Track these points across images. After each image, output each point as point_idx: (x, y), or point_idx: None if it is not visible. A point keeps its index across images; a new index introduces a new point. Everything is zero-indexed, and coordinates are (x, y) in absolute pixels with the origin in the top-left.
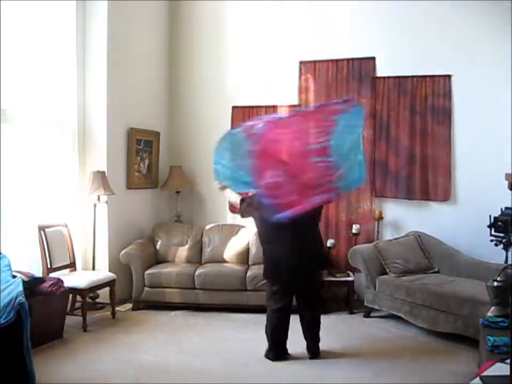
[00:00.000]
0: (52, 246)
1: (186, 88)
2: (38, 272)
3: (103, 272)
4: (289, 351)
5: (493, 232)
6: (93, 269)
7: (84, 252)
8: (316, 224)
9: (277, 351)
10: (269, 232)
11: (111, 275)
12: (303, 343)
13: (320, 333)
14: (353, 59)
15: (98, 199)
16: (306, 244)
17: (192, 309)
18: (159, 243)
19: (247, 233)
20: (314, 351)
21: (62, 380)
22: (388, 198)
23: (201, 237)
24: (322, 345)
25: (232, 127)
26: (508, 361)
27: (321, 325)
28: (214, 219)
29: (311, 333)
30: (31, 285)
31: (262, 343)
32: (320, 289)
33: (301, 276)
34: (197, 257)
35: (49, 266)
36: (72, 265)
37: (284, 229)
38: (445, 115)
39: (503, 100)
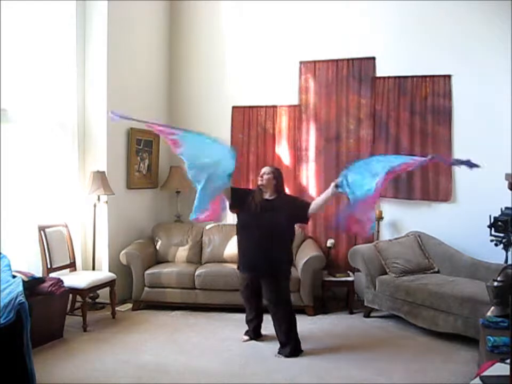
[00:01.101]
0: (51, 246)
1: (186, 88)
2: (38, 272)
3: (103, 272)
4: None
5: (493, 232)
6: (93, 269)
7: (83, 252)
8: (287, 234)
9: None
10: (246, 220)
11: (111, 275)
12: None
13: (298, 334)
14: (353, 59)
15: (98, 199)
16: (273, 242)
17: (192, 309)
18: (159, 243)
19: None
20: (281, 350)
21: (62, 380)
22: (388, 198)
23: (201, 237)
24: (323, 345)
25: (232, 127)
26: (508, 361)
27: (294, 326)
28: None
29: (277, 329)
30: (31, 285)
31: (262, 343)
32: (287, 291)
33: (262, 268)
34: (197, 257)
35: (49, 266)
36: (72, 265)
37: (259, 221)
38: (445, 115)
39: (503, 100)
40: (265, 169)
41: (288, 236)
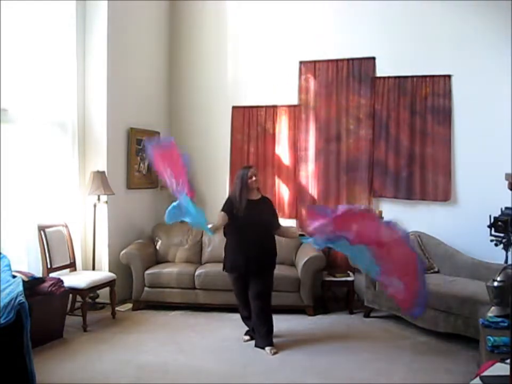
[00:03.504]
0: (52, 246)
1: (186, 88)
2: (38, 272)
3: (103, 272)
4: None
5: (493, 232)
6: (93, 269)
7: (84, 252)
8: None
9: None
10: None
11: (111, 275)
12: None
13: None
14: (353, 59)
15: (98, 199)
16: (263, 241)
17: (192, 309)
18: (159, 243)
19: None
20: (260, 341)
21: (62, 380)
22: (388, 198)
23: (201, 237)
24: (323, 345)
25: (232, 127)
26: (508, 361)
27: (271, 322)
28: (214, 219)
29: (256, 323)
30: (31, 285)
31: None
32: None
33: (255, 265)
34: (197, 257)
35: (49, 266)
36: (72, 265)
37: (248, 224)
38: (445, 115)
39: (503, 100)
40: (254, 171)
41: (272, 233)
